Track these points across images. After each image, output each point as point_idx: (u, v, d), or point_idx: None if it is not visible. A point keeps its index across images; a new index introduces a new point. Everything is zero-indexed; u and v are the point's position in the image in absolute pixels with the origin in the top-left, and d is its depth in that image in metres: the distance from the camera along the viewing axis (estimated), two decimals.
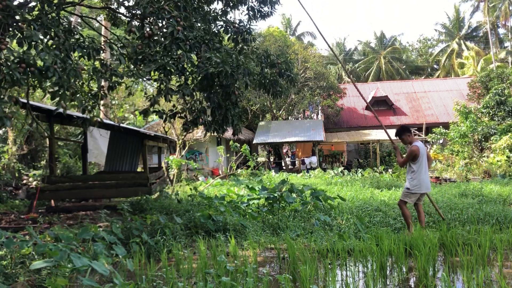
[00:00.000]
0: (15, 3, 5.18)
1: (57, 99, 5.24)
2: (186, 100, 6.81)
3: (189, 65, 6.24)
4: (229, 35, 7.35)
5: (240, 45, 7.38)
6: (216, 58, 5.81)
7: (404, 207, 6.33)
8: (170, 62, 5.63)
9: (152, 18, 5.78)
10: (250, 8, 7.76)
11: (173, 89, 5.96)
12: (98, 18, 17.56)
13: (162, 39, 5.79)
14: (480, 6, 40.73)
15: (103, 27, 13.92)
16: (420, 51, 51.57)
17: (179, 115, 6.83)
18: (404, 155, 6.49)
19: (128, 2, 7.07)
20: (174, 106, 6.92)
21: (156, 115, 6.61)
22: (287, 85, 7.75)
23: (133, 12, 6.42)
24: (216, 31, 7.22)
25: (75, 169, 13.62)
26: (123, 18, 7.85)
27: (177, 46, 5.73)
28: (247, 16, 7.72)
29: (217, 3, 7.70)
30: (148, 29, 5.65)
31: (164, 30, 5.79)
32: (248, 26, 7.36)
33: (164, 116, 6.47)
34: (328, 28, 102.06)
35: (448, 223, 6.70)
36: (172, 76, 6.21)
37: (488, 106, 20.06)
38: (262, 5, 7.85)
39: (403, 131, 6.50)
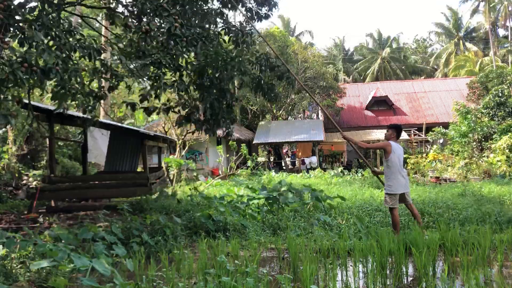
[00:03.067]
0: (15, 2, 5.17)
1: (58, 99, 5.23)
2: (180, 96, 6.79)
3: (184, 61, 6.22)
4: (229, 37, 7.34)
5: (241, 47, 7.37)
6: (209, 51, 5.77)
7: (394, 213, 6.27)
8: (166, 58, 5.62)
9: (150, 16, 5.77)
10: (248, 10, 7.76)
11: (168, 83, 5.94)
12: (98, 18, 17.54)
13: (159, 35, 5.77)
14: (480, 6, 40.74)
15: (103, 27, 13.91)
16: (420, 51, 51.61)
17: (172, 110, 6.81)
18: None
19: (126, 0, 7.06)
20: (168, 100, 6.90)
21: (143, 111, 6.59)
22: (285, 87, 7.79)
23: (131, 9, 6.41)
24: (217, 32, 7.19)
25: (74, 170, 13.62)
26: (122, 16, 7.84)
27: (174, 42, 5.72)
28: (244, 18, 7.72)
29: (214, 2, 7.69)
30: (145, 25, 5.63)
31: (162, 27, 5.77)
32: (249, 29, 7.37)
33: (157, 110, 6.47)
34: (327, 28, 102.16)
35: (447, 223, 6.70)
36: (168, 72, 6.19)
37: (488, 107, 20.06)
38: (260, 7, 7.85)
39: (394, 127, 6.58)
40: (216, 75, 6.01)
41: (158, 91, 5.78)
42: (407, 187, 6.42)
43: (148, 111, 6.46)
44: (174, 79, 6.30)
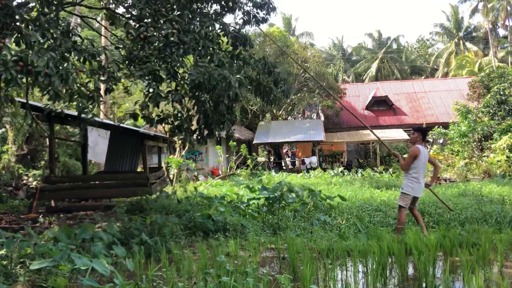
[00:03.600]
0: (14, 3, 5.15)
1: (50, 100, 5.19)
2: (174, 106, 6.77)
3: (181, 70, 6.19)
4: (228, 40, 7.31)
5: (239, 49, 7.35)
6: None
7: (403, 212, 6.31)
8: (162, 66, 5.59)
9: (148, 20, 5.74)
10: (245, 13, 7.73)
11: (162, 95, 5.90)
12: (98, 19, 17.51)
13: (157, 41, 5.74)
14: (479, 6, 40.72)
15: (103, 28, 13.91)
16: (419, 51, 51.62)
17: (165, 121, 6.80)
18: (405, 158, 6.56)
19: (126, 2, 7.04)
20: (162, 111, 6.91)
21: (142, 119, 6.57)
22: (280, 95, 7.76)
23: (131, 13, 6.39)
24: (216, 35, 7.13)
25: (74, 169, 13.62)
26: (121, 18, 7.82)
27: (170, 50, 5.67)
28: (242, 20, 7.71)
29: (216, 5, 7.65)
30: (143, 31, 5.61)
31: (160, 32, 5.74)
32: (247, 35, 7.36)
33: (151, 121, 6.47)
34: (326, 28, 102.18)
35: (447, 223, 6.70)
36: (163, 83, 6.16)
37: (488, 105, 20.05)
38: (258, 11, 7.83)
39: (420, 130, 6.58)
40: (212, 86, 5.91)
41: (152, 102, 5.74)
42: (421, 192, 6.46)
43: (149, 121, 6.46)
44: (169, 89, 6.25)
